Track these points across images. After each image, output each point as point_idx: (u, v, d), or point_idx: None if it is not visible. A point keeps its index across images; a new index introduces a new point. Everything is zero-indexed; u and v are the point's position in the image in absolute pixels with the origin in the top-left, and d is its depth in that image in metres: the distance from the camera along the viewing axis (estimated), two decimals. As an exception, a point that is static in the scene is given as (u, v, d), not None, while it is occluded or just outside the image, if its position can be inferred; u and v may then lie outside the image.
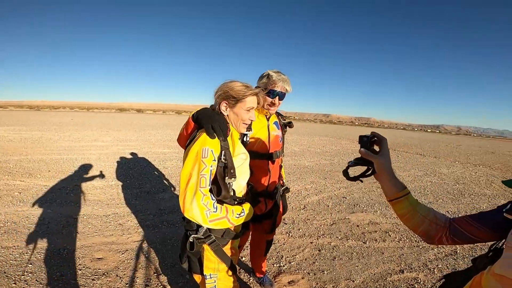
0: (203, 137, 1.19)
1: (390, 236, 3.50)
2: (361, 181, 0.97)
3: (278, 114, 1.97)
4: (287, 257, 2.89)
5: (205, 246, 1.31)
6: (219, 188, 1.23)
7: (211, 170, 1.17)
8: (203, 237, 1.27)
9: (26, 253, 2.65)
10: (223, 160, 1.22)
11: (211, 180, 1.18)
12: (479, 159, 12.64)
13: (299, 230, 3.53)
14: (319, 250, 3.05)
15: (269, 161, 1.79)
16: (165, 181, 5.32)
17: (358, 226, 3.76)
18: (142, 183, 5.03)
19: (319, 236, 3.39)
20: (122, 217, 3.59)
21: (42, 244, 2.84)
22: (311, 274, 2.61)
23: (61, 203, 3.91)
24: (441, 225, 0.84)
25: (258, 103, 1.39)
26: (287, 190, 2.13)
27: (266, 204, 1.86)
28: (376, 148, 0.92)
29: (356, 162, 0.92)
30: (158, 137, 12.61)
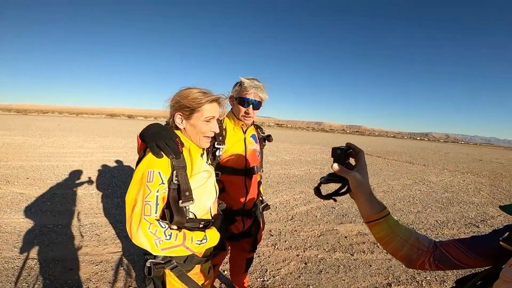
0: (149, 158, 1.04)
1: (378, 247, 3.40)
2: (335, 200, 0.84)
3: (256, 127, 1.84)
4: (272, 271, 2.75)
5: (167, 271, 1.16)
6: (172, 213, 1.06)
7: (157, 195, 1.01)
8: (162, 262, 1.13)
9: (-7, 264, 2.48)
10: (175, 182, 1.06)
11: (158, 206, 1.01)
12: (467, 166, 12.80)
13: (285, 242, 3.41)
14: (305, 263, 2.93)
15: (246, 177, 1.67)
16: (149, 190, 5.12)
17: (346, 237, 3.66)
18: (125, 192, 4.82)
19: (306, 249, 3.27)
20: (99, 227, 3.41)
21: (11, 253, 2.68)
22: (295, 289, 2.48)
23: (36, 212, 3.70)
24: (424, 250, 0.74)
25: (219, 112, 1.23)
26: (267, 207, 1.97)
27: (244, 222, 1.73)
28: (352, 161, 0.80)
29: (329, 178, 0.79)
30: (146, 144, 12.38)
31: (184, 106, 1.13)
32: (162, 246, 1.00)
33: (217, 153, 1.53)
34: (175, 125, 1.18)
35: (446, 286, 2.64)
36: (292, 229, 3.79)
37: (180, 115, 1.16)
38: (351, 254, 3.19)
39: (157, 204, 1.01)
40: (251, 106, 1.58)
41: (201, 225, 1.17)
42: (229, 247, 1.99)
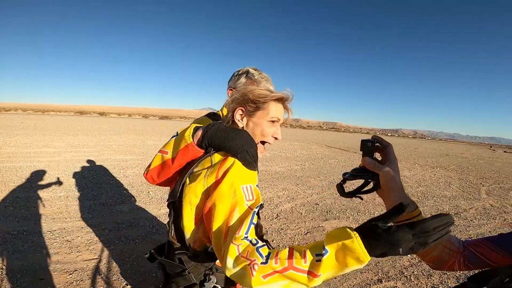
0: (238, 169, 0.83)
1: None
2: (361, 199, 0.76)
3: None
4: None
5: None
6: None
7: (253, 216, 0.78)
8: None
9: None
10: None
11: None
12: (436, 161, 13.48)
13: (272, 241, 3.32)
14: (294, 262, 2.86)
15: None
16: (124, 191, 4.80)
17: (332, 233, 3.64)
18: (98, 194, 4.50)
19: (294, 247, 3.20)
20: (70, 232, 3.12)
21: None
22: (287, 290, 2.40)
23: (-3, 218, 3.33)
24: (455, 250, 0.70)
25: (286, 116, 1.02)
26: (260, 206, 1.80)
27: None
28: (377, 156, 0.74)
29: (355, 174, 0.72)
30: (120, 143, 11.77)
31: (249, 101, 0.94)
32: (262, 272, 0.64)
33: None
34: (233, 121, 0.98)
35: (433, 280, 2.68)
36: (278, 228, 3.72)
37: (242, 110, 0.96)
38: (338, 251, 3.16)
39: (250, 224, 0.76)
40: None
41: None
42: None
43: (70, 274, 2.38)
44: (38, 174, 5.54)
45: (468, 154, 20.28)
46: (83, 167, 6.44)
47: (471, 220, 4.51)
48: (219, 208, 0.77)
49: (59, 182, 5.06)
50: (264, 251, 0.68)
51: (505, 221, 4.57)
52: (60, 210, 3.73)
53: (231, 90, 1.44)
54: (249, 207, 0.78)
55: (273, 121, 0.97)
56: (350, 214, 4.45)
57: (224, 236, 0.74)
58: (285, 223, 3.89)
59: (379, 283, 2.57)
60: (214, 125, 0.91)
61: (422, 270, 2.82)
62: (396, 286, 2.53)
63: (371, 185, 0.74)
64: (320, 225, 3.91)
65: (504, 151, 27.46)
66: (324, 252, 0.61)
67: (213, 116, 1.37)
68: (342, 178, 0.74)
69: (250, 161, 0.86)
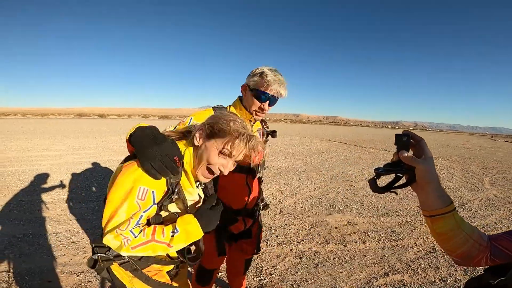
0: (141, 172, 0.91)
1: (369, 236, 3.42)
2: (396, 193, 0.78)
3: (262, 121, 1.65)
4: (267, 268, 2.66)
5: (114, 266, 1.06)
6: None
7: (142, 216, 0.92)
8: (111, 257, 1.02)
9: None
10: (175, 197, 0.98)
11: (136, 225, 0.92)
12: (438, 152, 13.45)
13: (277, 237, 3.32)
14: (300, 258, 2.86)
15: (248, 176, 1.52)
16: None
17: (336, 228, 3.64)
18: (101, 195, 4.50)
19: (299, 242, 3.20)
20: (76, 234, 3.12)
21: (-22, 269, 2.37)
22: (294, 285, 2.40)
23: (2, 222, 3.34)
24: (484, 245, 0.69)
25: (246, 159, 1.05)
26: (266, 206, 1.80)
27: (245, 222, 1.59)
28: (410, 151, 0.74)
29: (389, 169, 0.72)
30: (120, 143, 11.74)
31: (212, 125, 0.99)
32: (132, 244, 0.89)
33: None
34: (192, 140, 1.03)
35: (441, 272, 2.67)
36: (282, 223, 3.72)
37: (202, 130, 1.01)
38: (344, 245, 3.16)
39: (137, 224, 0.92)
40: (267, 102, 1.39)
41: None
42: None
43: (78, 275, 2.38)
44: (41, 178, 5.54)
45: (470, 145, 20.21)
46: (85, 169, 6.44)
47: (476, 211, 4.50)
48: (115, 192, 0.90)
49: (62, 185, 5.06)
50: (136, 230, 0.90)
51: (509, 212, 4.55)
52: (64, 212, 3.74)
53: (244, 87, 1.45)
54: (139, 204, 0.90)
55: (223, 155, 0.99)
56: (354, 208, 4.44)
57: (109, 218, 0.89)
58: (289, 218, 3.89)
59: (385, 276, 2.57)
60: (142, 132, 0.92)
61: (429, 263, 2.82)
62: (403, 279, 2.53)
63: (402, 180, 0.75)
64: (324, 219, 3.91)
65: (506, 141, 27.38)
66: (175, 231, 0.94)
67: (219, 109, 1.40)
68: (375, 174, 0.73)
69: (153, 174, 0.90)
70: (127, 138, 0.96)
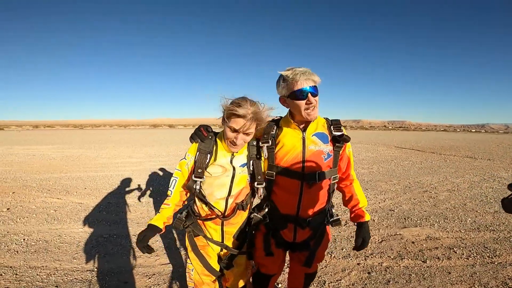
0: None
1: (455, 252, 2.97)
2: None
3: (330, 124, 1.51)
4: (331, 282, 2.48)
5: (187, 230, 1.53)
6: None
7: (188, 164, 1.44)
8: (183, 218, 1.51)
9: (54, 275, 2.55)
10: (195, 159, 1.41)
11: (182, 171, 1.45)
12: None
13: (342, 249, 3.09)
14: (369, 273, 2.61)
15: (304, 183, 1.41)
16: (195, 197, 5.12)
17: (413, 242, 3.24)
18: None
19: (367, 256, 2.93)
20: (151, 237, 3.41)
21: (71, 265, 2.73)
22: (362, 304, 2.18)
23: (93, 222, 3.85)
24: None
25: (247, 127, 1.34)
26: (336, 222, 1.55)
27: (296, 232, 1.49)
28: None
29: None
30: (188, 151, 12.72)
31: (224, 111, 1.35)
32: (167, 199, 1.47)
33: (264, 154, 1.44)
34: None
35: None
36: (348, 235, 3.46)
37: (223, 118, 1.38)
38: (423, 261, 2.79)
39: (179, 181, 1.46)
40: (309, 95, 1.33)
41: (204, 205, 1.48)
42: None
43: (149, 278, 2.56)
44: (125, 182, 6.31)
45: None
46: (160, 176, 7.12)
47: None
48: None
49: (140, 189, 5.68)
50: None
51: None
52: (142, 215, 4.14)
53: (282, 99, 1.46)
54: (182, 161, 1.46)
55: (232, 130, 1.32)
56: (435, 221, 3.91)
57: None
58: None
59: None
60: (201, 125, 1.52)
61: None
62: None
63: None
64: (398, 233, 3.51)
65: None
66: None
67: (278, 119, 1.56)
68: (511, 192, 0.60)
69: (190, 138, 1.46)
70: None
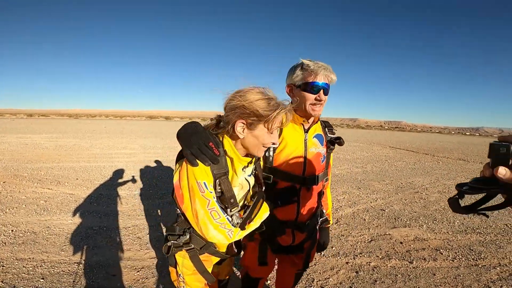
0: (191, 168, 0.99)
1: (441, 254, 3.02)
2: (487, 216, 0.63)
3: (325, 126, 1.51)
4: (319, 280, 2.51)
5: (183, 252, 1.20)
6: None
7: (215, 200, 1.01)
8: (181, 244, 1.17)
9: (40, 267, 2.53)
10: (218, 190, 1.04)
11: (220, 207, 1.03)
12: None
13: (332, 248, 3.12)
14: (357, 272, 2.64)
15: (302, 187, 1.38)
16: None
17: (401, 243, 3.28)
18: (165, 193, 4.85)
19: (356, 255, 2.96)
20: (141, 229, 3.40)
21: (58, 257, 2.71)
22: (348, 303, 2.21)
23: (83, 213, 3.82)
24: None
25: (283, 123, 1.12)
26: (326, 222, 1.63)
27: (294, 236, 1.46)
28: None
29: (479, 187, 0.57)
30: (184, 144, 12.67)
31: (250, 114, 1.01)
32: (235, 235, 1.04)
33: (267, 154, 1.30)
34: (233, 132, 1.05)
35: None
36: (338, 234, 3.49)
37: (243, 123, 1.03)
38: (409, 262, 2.83)
39: (220, 208, 1.02)
40: (321, 91, 1.27)
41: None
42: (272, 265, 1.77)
43: (138, 271, 2.55)
44: (118, 173, 6.27)
45: None
46: (153, 168, 7.08)
47: None
48: (185, 196, 1.02)
49: (134, 181, 5.64)
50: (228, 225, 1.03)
51: None
52: (133, 208, 4.12)
53: (289, 87, 1.36)
54: (205, 197, 0.98)
55: (272, 132, 1.07)
56: (424, 222, 3.96)
57: (195, 218, 1.01)
58: (346, 229, 3.63)
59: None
60: (187, 125, 1.03)
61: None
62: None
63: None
64: (387, 233, 3.55)
65: None
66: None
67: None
68: (457, 191, 0.60)
69: (191, 159, 0.97)
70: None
